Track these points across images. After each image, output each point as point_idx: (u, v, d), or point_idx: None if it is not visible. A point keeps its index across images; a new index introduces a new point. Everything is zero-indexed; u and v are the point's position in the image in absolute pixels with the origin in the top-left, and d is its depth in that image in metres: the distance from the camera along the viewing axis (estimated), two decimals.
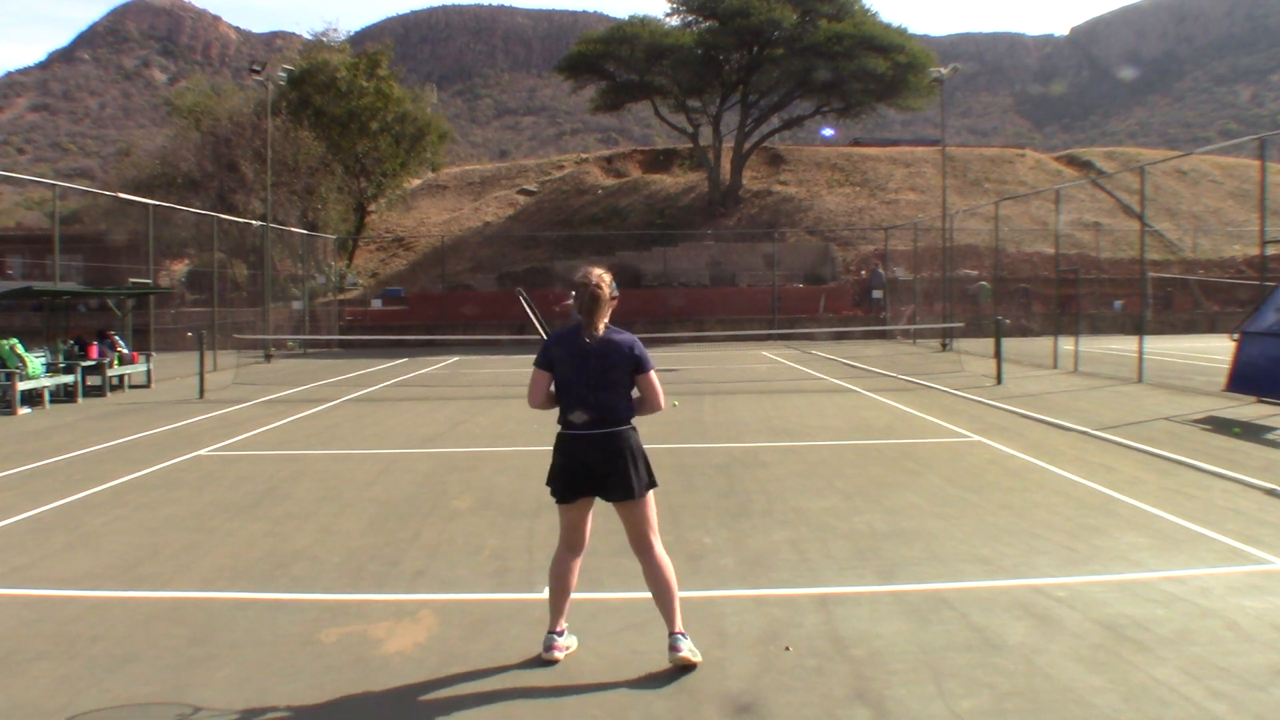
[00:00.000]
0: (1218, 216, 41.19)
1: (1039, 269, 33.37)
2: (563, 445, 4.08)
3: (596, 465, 3.99)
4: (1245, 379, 11.86)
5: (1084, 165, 47.32)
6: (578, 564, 4.19)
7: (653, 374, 4.09)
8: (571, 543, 4.17)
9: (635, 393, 4.12)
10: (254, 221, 27.08)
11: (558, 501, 4.14)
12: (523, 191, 46.93)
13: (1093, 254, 35.29)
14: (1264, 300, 12.23)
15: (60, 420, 12.56)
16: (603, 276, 4.04)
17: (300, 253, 30.88)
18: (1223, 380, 12.55)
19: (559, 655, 4.06)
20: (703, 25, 39.57)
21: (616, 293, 4.09)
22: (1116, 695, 3.66)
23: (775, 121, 43.10)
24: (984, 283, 29.90)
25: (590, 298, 3.98)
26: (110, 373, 15.81)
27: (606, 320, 4.05)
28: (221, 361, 20.81)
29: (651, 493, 4.12)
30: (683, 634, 3.98)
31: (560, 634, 4.13)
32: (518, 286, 4.82)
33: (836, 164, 45.83)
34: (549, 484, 4.15)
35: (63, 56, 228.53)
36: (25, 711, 3.63)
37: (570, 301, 4.08)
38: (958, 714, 3.52)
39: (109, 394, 15.63)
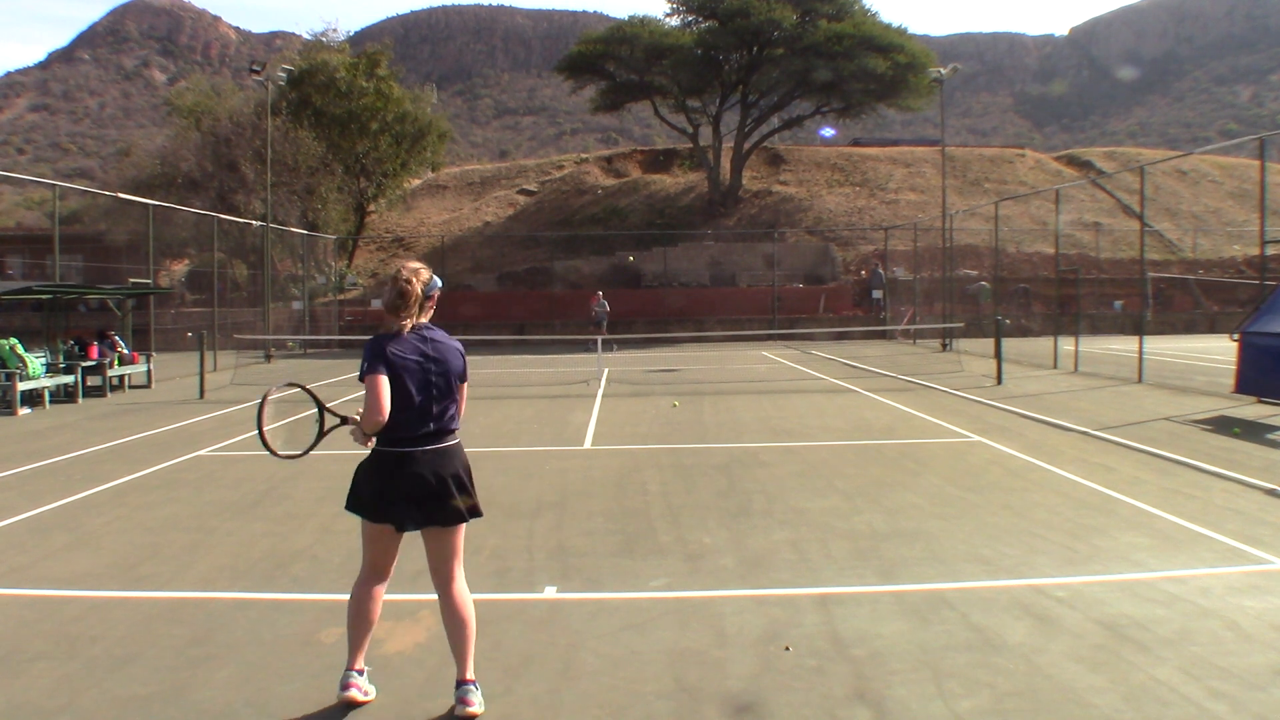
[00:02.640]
0: (1218, 216, 41.17)
1: (1039, 269, 33.36)
2: (386, 464, 3.56)
3: (428, 485, 3.56)
4: (1248, 379, 11.88)
5: (1084, 165, 47.30)
6: (382, 593, 3.74)
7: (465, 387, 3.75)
8: (379, 568, 3.72)
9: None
10: (254, 221, 27.07)
11: (370, 520, 3.64)
12: (523, 191, 46.94)
13: (1093, 254, 35.29)
14: (1264, 300, 12.24)
15: (60, 420, 12.56)
16: (418, 272, 3.63)
17: (300, 253, 30.89)
18: (1223, 380, 12.57)
19: (359, 696, 3.59)
20: (702, 25, 39.57)
21: (435, 290, 3.68)
22: (1116, 695, 3.66)
23: (775, 121, 43.09)
24: (984, 283, 29.89)
25: (397, 293, 3.57)
26: (110, 373, 15.81)
27: (418, 318, 3.63)
28: (221, 362, 20.81)
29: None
30: (474, 684, 3.56)
31: (360, 673, 3.64)
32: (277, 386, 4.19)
33: (836, 164, 45.82)
34: (351, 508, 3.67)
35: (63, 56, 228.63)
36: (25, 711, 3.64)
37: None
38: (958, 714, 3.52)
39: (109, 394, 15.63)
